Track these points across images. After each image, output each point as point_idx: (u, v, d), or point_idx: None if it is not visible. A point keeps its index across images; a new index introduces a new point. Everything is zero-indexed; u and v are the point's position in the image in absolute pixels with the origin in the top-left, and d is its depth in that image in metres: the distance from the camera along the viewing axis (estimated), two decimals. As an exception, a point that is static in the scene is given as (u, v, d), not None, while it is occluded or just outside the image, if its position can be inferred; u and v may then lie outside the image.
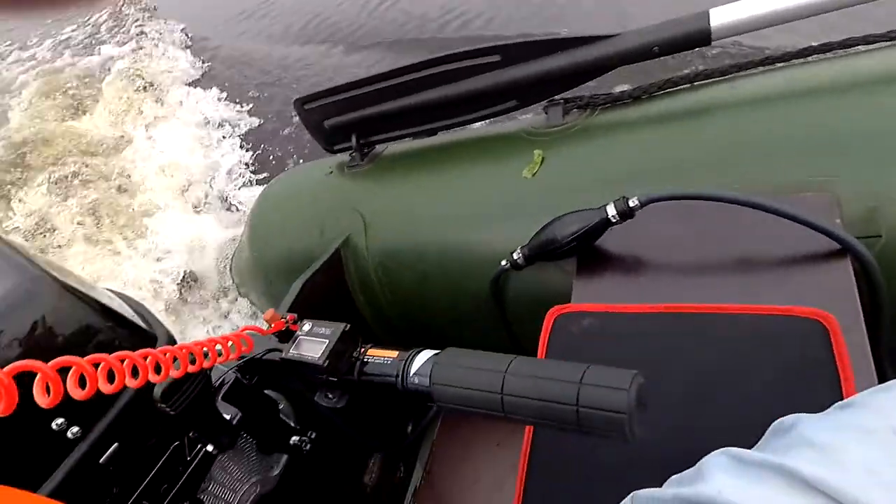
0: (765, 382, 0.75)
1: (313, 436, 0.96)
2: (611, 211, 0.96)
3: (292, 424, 0.98)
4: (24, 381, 0.41)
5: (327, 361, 0.70)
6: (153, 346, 0.81)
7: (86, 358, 0.46)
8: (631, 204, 0.95)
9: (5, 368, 0.40)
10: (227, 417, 0.80)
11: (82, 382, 0.46)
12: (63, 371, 0.44)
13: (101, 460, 0.73)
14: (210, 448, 0.80)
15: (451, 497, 1.58)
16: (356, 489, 1.51)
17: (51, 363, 0.43)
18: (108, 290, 0.87)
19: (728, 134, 1.08)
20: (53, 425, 0.42)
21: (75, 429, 0.66)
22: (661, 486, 0.58)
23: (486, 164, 1.36)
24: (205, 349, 0.63)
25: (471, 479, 1.58)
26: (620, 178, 1.14)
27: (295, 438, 0.96)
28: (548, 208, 1.08)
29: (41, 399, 0.42)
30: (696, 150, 1.10)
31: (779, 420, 0.56)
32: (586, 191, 1.13)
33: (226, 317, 2.49)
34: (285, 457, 1.18)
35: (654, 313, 0.90)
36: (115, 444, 0.75)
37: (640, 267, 1.00)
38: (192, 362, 0.60)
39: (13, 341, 0.69)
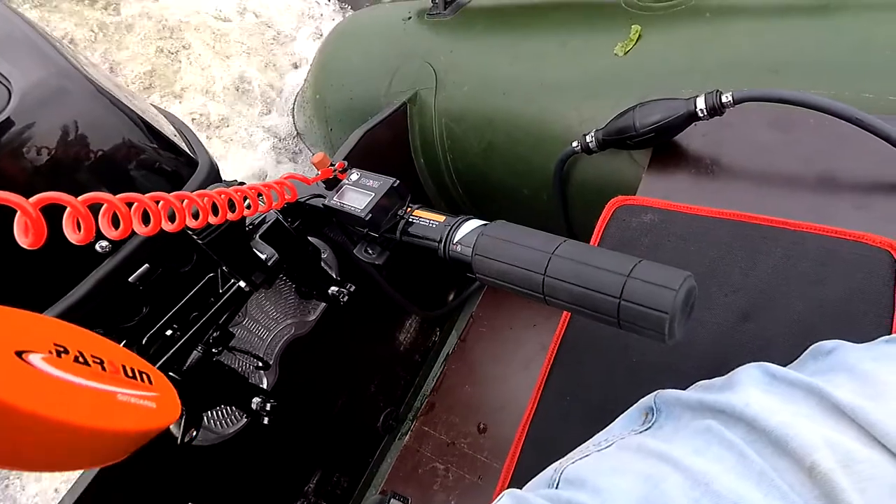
0: (815, 305, 0.71)
1: (352, 289, 0.96)
2: (700, 104, 0.88)
3: (333, 275, 0.98)
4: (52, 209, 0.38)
5: (370, 215, 0.67)
6: (194, 171, 0.79)
7: (119, 196, 0.43)
8: (724, 99, 0.86)
9: (31, 199, 0.35)
10: (263, 257, 0.79)
11: (115, 222, 0.43)
12: (95, 207, 0.42)
13: (129, 279, 0.73)
14: (242, 284, 0.80)
15: (481, 367, 1.61)
16: (389, 345, 1.56)
17: (81, 198, 0.39)
18: (151, 104, 0.83)
19: (859, 36, 0.93)
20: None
21: (104, 243, 0.63)
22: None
23: (576, 33, 1.23)
24: (245, 198, 0.60)
25: (501, 354, 1.61)
26: (719, 71, 1.02)
27: (334, 289, 0.96)
28: (633, 92, 1.00)
29: (72, 235, 0.39)
30: (817, 51, 0.95)
31: (819, 343, 0.53)
32: (679, 78, 1.03)
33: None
34: (323, 305, 1.20)
35: (720, 219, 0.83)
36: (146, 266, 0.74)
37: (717, 170, 0.92)
38: (232, 209, 0.58)
39: (42, 144, 0.63)
